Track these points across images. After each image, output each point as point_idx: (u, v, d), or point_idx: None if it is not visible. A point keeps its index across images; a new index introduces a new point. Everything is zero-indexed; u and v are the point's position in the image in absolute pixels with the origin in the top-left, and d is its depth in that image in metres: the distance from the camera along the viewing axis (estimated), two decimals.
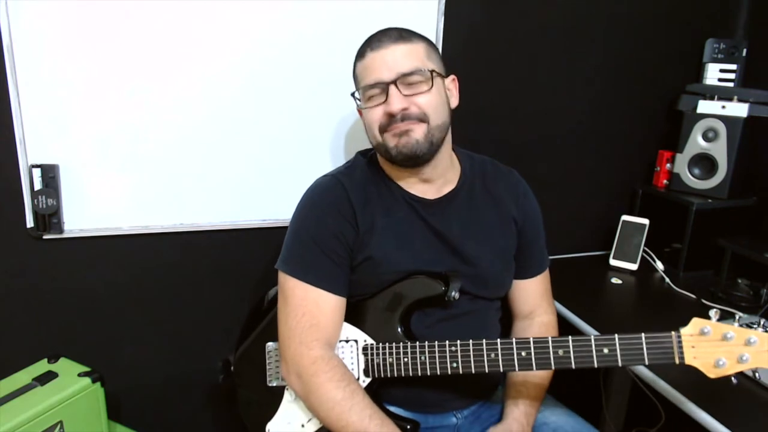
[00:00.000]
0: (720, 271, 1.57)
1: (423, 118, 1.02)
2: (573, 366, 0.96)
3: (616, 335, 0.94)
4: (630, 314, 1.43)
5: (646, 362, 0.92)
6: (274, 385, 1.14)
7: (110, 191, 1.34)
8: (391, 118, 1.01)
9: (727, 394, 1.03)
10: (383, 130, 1.03)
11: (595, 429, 1.12)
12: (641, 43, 1.69)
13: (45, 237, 1.32)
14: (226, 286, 1.51)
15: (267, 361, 1.16)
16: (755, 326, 0.92)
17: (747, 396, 1.03)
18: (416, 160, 1.04)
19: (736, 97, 1.58)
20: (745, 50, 1.68)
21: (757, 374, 1.03)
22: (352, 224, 1.06)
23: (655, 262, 1.62)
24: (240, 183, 1.43)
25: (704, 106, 1.62)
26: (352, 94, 1.10)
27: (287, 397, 1.12)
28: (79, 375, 1.25)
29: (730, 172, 1.57)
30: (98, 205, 1.34)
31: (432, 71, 1.03)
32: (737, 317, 0.93)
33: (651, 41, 1.69)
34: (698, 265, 1.60)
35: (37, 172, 1.27)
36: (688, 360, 0.91)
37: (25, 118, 1.24)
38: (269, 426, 1.12)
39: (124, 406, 1.49)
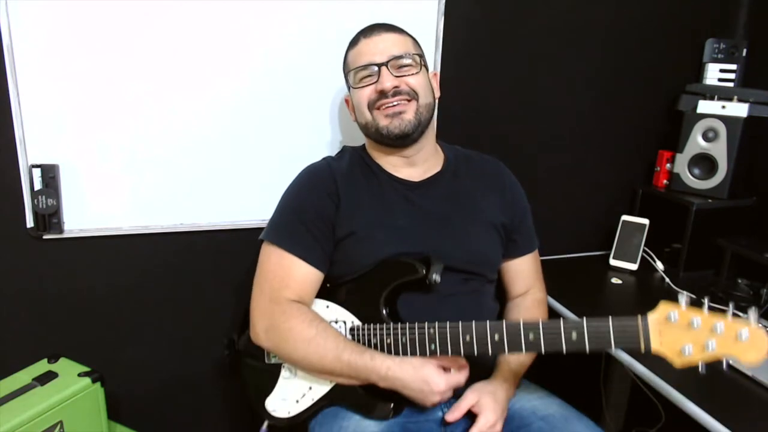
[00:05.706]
0: (720, 271, 1.57)
1: (413, 96, 1.09)
2: (542, 351, 0.94)
3: (584, 318, 0.91)
4: (630, 314, 1.43)
5: (613, 347, 0.90)
6: (273, 362, 1.16)
7: (110, 191, 1.34)
8: (381, 95, 1.08)
9: (727, 393, 1.03)
10: (372, 107, 1.09)
11: (586, 416, 1.08)
12: (641, 43, 1.68)
13: (45, 237, 1.32)
14: (226, 285, 1.51)
15: None
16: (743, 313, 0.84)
17: (747, 395, 1.03)
18: (405, 139, 1.09)
19: (736, 97, 1.58)
20: (745, 50, 1.68)
21: (724, 364, 0.87)
22: (333, 199, 1.10)
23: (655, 262, 1.62)
24: (240, 183, 1.43)
25: (704, 106, 1.62)
26: (346, 79, 1.17)
27: (284, 374, 1.14)
28: (79, 375, 1.25)
29: (730, 172, 1.57)
30: (98, 205, 1.34)
31: (420, 56, 1.12)
32: (704, 304, 0.85)
33: (651, 41, 1.69)
34: (698, 265, 1.60)
35: (37, 172, 1.27)
36: (655, 346, 0.87)
37: (25, 118, 1.24)
38: (267, 401, 1.14)
39: (124, 406, 1.49)
